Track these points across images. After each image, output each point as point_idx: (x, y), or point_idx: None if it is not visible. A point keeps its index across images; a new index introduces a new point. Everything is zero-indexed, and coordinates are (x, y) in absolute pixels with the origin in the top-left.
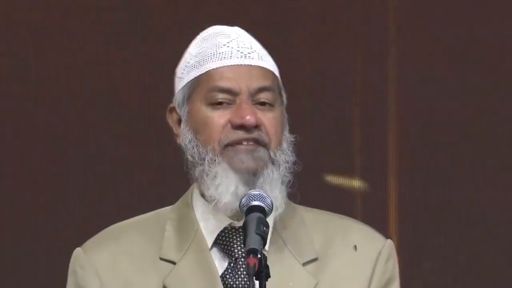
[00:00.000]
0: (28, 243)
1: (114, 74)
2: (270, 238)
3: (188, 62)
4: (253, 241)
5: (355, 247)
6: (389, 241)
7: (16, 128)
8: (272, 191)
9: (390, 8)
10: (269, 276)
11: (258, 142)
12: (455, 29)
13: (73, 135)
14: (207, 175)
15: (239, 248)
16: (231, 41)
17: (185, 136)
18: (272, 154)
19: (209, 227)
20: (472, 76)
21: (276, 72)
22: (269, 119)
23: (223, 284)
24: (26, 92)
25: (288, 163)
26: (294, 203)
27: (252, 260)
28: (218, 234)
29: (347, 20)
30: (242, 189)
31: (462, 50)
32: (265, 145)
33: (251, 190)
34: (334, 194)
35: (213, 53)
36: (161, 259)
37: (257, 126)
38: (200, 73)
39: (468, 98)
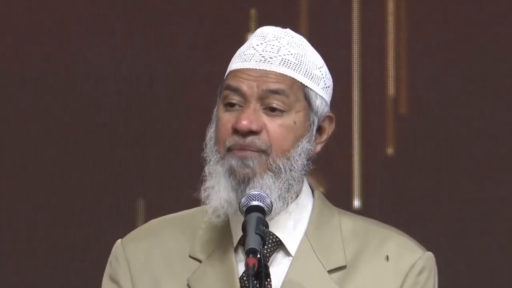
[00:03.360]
0: (28, 242)
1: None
2: (299, 243)
3: (232, 60)
4: (253, 241)
5: (387, 257)
6: (428, 254)
7: (15, 127)
8: (268, 196)
9: (389, 8)
10: (269, 276)
11: (253, 148)
12: (456, 28)
13: (72, 135)
14: (209, 174)
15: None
16: (261, 43)
17: (208, 133)
18: (270, 161)
19: (237, 226)
20: (473, 76)
21: (305, 79)
22: (275, 125)
23: (241, 286)
24: (25, 91)
25: (293, 171)
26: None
27: (252, 260)
28: (242, 235)
29: (345, 19)
30: (230, 195)
31: (463, 50)
32: (262, 152)
33: (250, 190)
34: (333, 195)
35: (241, 54)
36: (190, 257)
37: (254, 132)
38: (227, 72)
39: (469, 97)
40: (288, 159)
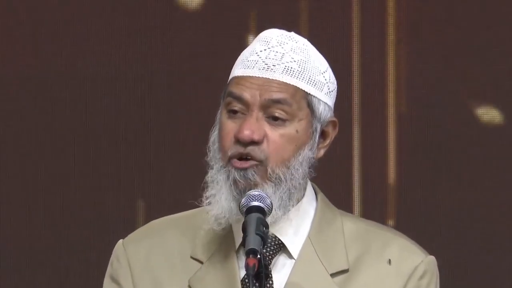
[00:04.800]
0: (28, 242)
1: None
2: (302, 246)
3: (236, 65)
4: (253, 241)
5: (389, 261)
6: (430, 257)
7: (15, 127)
8: (268, 196)
9: (389, 8)
10: (268, 277)
11: (253, 157)
12: (455, 28)
13: (72, 135)
14: (211, 181)
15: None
16: (265, 49)
17: (212, 137)
18: (269, 171)
19: (239, 229)
20: (473, 76)
21: (308, 87)
22: (276, 135)
23: (242, 287)
24: (25, 91)
25: (294, 180)
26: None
27: (252, 261)
28: (243, 236)
29: (345, 19)
30: (231, 205)
31: (462, 50)
32: (260, 161)
33: (250, 191)
34: (333, 196)
35: (244, 59)
36: (191, 257)
37: (256, 142)
38: (230, 77)
39: (469, 97)
40: (288, 168)
